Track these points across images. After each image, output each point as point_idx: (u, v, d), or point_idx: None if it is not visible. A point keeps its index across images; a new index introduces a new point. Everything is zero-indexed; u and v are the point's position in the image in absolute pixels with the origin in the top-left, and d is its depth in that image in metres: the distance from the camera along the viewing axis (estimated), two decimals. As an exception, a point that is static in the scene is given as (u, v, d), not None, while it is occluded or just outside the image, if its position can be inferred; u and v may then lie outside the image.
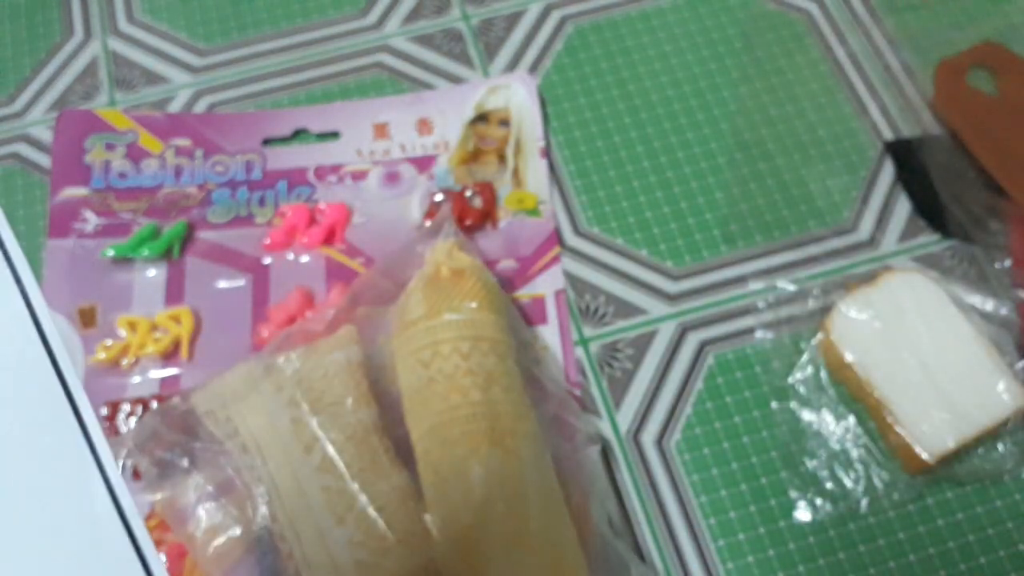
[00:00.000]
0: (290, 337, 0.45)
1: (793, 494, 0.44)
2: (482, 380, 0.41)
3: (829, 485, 0.44)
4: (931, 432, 0.43)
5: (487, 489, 0.38)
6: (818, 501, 0.44)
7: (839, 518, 0.44)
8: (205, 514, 0.42)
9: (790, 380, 0.47)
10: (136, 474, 0.44)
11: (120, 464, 0.45)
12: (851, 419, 0.46)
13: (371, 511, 0.40)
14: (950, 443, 0.43)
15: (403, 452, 0.42)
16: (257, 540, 0.41)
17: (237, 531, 0.41)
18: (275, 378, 0.43)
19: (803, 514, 0.44)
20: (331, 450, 0.41)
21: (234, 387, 0.43)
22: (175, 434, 0.43)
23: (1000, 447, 0.45)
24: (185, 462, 0.43)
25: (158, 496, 0.43)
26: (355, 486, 0.40)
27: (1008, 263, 0.48)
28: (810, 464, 0.45)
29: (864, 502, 0.44)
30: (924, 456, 0.43)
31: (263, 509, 0.41)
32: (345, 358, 0.43)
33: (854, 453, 0.45)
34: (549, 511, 0.39)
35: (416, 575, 0.39)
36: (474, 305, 0.43)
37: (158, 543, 0.43)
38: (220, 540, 0.41)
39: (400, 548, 0.39)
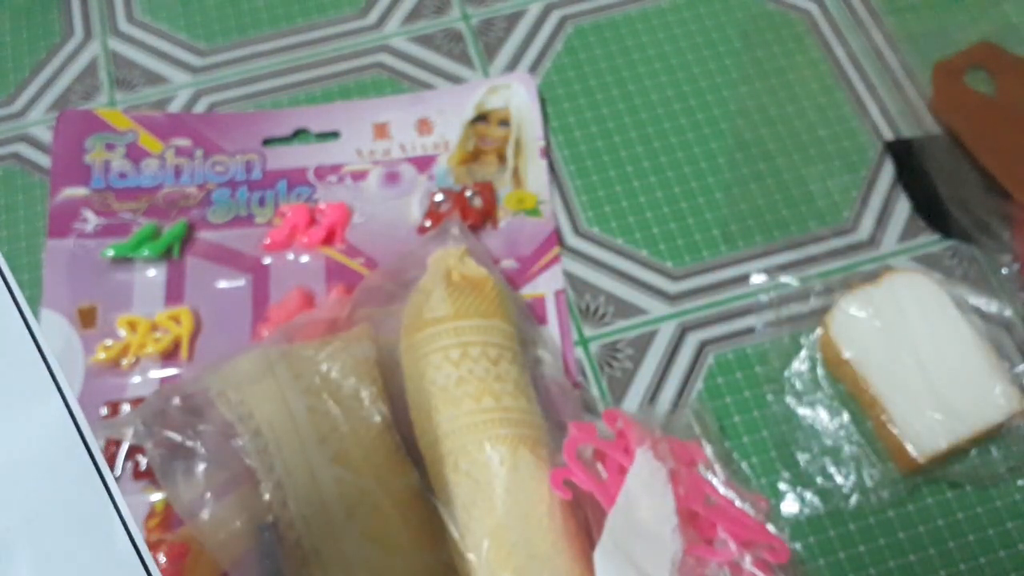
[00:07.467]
0: (291, 329, 0.44)
1: (782, 487, 0.44)
2: (511, 388, 0.41)
3: (819, 480, 0.44)
4: (924, 432, 0.43)
5: (527, 495, 0.38)
6: (807, 495, 0.44)
7: (839, 517, 0.44)
8: (214, 500, 0.41)
9: (786, 373, 0.47)
10: (136, 474, 0.44)
11: (124, 447, 0.44)
12: (845, 416, 0.45)
13: (387, 507, 0.39)
14: (942, 444, 0.42)
15: (410, 452, 0.42)
16: (261, 531, 0.40)
17: (245, 517, 0.40)
18: (293, 365, 0.42)
19: (790, 506, 0.44)
20: (348, 442, 0.40)
21: (248, 370, 0.42)
22: (183, 415, 0.42)
23: (994, 451, 0.44)
24: (192, 444, 0.41)
25: (158, 497, 0.42)
26: (371, 480, 0.40)
27: (1016, 267, 0.48)
28: (801, 458, 0.45)
29: (853, 499, 0.44)
30: (915, 455, 0.43)
31: (273, 496, 0.40)
32: (362, 354, 0.43)
33: (846, 450, 0.45)
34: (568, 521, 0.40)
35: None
36: (498, 313, 0.43)
37: (158, 543, 0.43)
38: (229, 527, 0.40)
39: (412, 547, 0.39)
